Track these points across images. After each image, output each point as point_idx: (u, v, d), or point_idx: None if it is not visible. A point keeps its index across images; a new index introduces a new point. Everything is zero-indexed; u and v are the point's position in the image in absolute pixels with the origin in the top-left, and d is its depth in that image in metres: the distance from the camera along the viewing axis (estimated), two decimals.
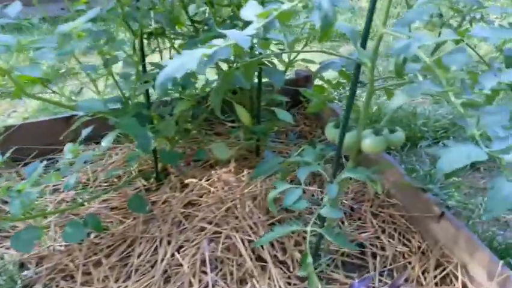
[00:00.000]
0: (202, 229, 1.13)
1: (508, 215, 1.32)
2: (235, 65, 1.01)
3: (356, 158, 0.93)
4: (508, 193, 0.59)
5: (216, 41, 0.65)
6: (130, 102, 1.15)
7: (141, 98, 1.22)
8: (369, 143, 0.89)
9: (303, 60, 1.43)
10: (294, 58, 1.45)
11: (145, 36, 1.26)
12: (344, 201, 1.24)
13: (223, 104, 1.47)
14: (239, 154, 1.43)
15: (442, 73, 0.66)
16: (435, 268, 1.02)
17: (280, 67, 1.37)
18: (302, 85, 1.67)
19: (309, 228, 0.81)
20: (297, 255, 1.05)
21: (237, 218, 1.16)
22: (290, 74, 1.78)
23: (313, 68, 1.82)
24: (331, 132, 0.97)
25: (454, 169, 0.58)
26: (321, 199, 1.26)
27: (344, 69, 1.00)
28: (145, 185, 1.33)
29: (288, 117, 1.27)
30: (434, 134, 1.68)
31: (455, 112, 1.76)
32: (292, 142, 1.52)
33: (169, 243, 1.10)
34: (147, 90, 1.19)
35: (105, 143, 1.16)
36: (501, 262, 0.88)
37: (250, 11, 0.67)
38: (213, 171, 1.33)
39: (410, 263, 1.04)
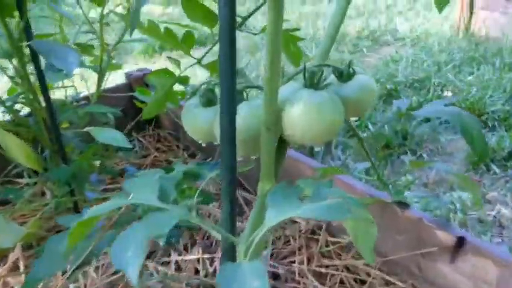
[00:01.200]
0: None
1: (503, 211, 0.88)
2: None
3: (275, 165, 0.35)
4: None
5: None
6: None
7: None
8: (304, 110, 0.32)
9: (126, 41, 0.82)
10: (118, 42, 0.82)
11: None
12: None
13: None
14: (42, 227, 0.74)
15: None
16: None
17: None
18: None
19: None
20: None
21: None
22: (116, 79, 1.14)
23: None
24: (198, 118, 0.38)
25: None
26: (208, 266, 0.63)
27: None
28: None
29: (118, 139, 0.65)
30: None
31: None
32: None
33: None
34: None
35: None
36: None
37: None
38: None
39: None
